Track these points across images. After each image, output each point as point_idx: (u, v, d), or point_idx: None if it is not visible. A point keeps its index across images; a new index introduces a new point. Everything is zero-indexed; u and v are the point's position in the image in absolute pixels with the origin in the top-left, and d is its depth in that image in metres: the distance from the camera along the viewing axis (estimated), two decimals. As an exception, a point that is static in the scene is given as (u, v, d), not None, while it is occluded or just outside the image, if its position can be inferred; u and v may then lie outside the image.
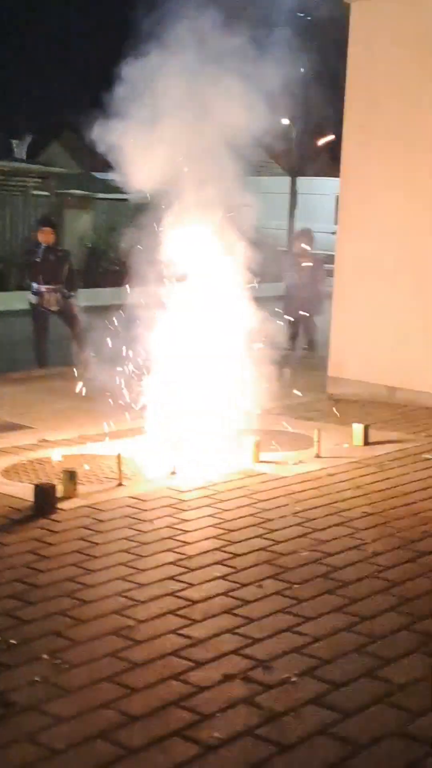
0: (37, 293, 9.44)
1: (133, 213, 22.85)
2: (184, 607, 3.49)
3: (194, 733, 2.67)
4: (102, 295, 17.80)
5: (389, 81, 7.66)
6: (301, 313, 9.38)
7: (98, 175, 24.71)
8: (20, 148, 26.96)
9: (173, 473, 5.18)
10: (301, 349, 9.01)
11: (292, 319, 9.51)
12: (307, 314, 9.40)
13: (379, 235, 7.72)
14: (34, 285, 9.46)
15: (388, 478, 5.35)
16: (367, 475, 5.41)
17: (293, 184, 24.88)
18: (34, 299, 9.47)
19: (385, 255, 7.67)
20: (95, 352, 6.05)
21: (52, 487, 4.57)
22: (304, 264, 9.78)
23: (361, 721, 2.75)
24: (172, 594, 3.61)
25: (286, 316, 9.83)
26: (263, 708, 2.81)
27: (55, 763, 2.53)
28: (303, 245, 10.21)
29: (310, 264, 9.44)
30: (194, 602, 3.54)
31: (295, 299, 9.77)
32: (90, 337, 7.37)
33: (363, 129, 7.83)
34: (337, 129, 8.18)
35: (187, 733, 2.66)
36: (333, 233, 10.44)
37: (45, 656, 3.08)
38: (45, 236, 9.59)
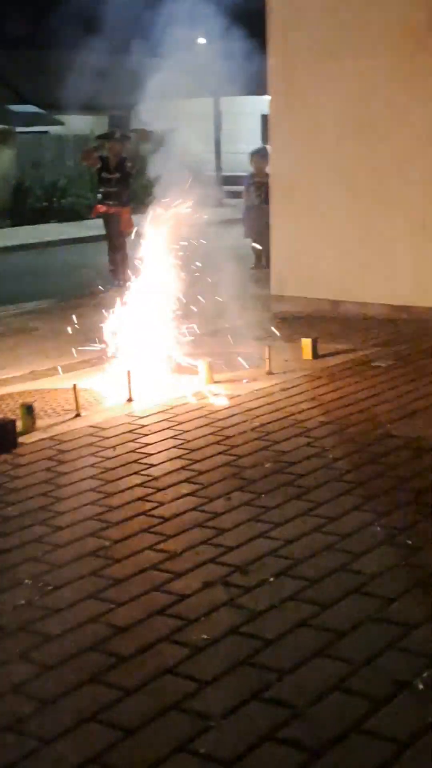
0: None
1: (56, 145, 22.16)
2: (157, 524, 3.58)
3: (182, 637, 2.78)
4: (28, 233, 17.44)
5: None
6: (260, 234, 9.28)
7: (14, 107, 23.90)
8: None
9: (130, 400, 5.22)
10: (262, 267, 8.97)
11: (253, 240, 9.47)
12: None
13: (312, 149, 7.71)
14: None
15: (340, 388, 5.48)
16: (320, 386, 5.53)
17: (216, 104, 24.38)
18: None
19: (319, 169, 7.68)
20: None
21: (12, 422, 4.57)
22: (262, 183, 9.64)
23: (340, 611, 2.89)
24: (143, 513, 3.69)
25: (247, 237, 9.74)
26: (245, 608, 2.93)
27: (50, 678, 2.62)
28: (260, 164, 10.08)
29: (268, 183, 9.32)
30: (166, 519, 3.63)
31: (255, 220, 9.65)
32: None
33: (287, 41, 7.73)
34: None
35: (176, 638, 2.77)
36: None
37: (27, 581, 3.15)
38: None
